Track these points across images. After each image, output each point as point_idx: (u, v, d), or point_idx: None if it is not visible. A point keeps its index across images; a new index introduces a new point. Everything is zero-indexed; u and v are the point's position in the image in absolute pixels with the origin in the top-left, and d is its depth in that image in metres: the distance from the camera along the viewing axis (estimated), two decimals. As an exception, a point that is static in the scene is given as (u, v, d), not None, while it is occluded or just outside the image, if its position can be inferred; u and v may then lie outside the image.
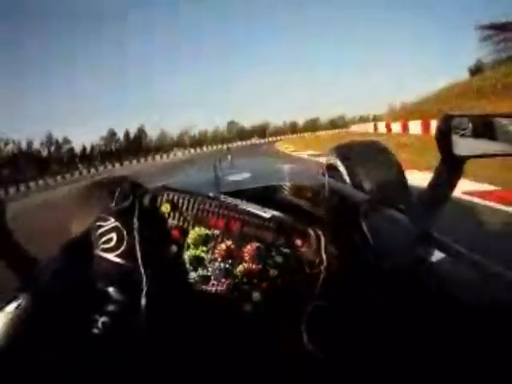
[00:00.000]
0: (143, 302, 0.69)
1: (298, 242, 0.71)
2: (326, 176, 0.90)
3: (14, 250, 0.69)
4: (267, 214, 0.73)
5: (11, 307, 0.59)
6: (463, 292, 0.50)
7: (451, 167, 0.63)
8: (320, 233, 0.71)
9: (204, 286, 0.71)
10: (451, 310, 0.48)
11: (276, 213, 0.74)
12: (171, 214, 0.73)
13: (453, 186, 0.63)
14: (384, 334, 0.58)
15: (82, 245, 0.72)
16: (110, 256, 0.70)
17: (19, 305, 0.59)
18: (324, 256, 0.70)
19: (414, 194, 0.72)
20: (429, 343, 0.49)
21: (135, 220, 0.70)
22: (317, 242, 0.71)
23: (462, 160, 0.62)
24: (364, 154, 1.24)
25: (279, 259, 0.71)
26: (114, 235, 0.70)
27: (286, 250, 0.71)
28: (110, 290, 0.69)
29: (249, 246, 0.71)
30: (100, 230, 0.70)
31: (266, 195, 0.90)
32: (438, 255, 0.56)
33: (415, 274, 0.57)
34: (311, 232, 0.71)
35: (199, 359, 0.68)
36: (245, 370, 0.67)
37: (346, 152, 1.32)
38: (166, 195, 0.74)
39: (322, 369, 0.65)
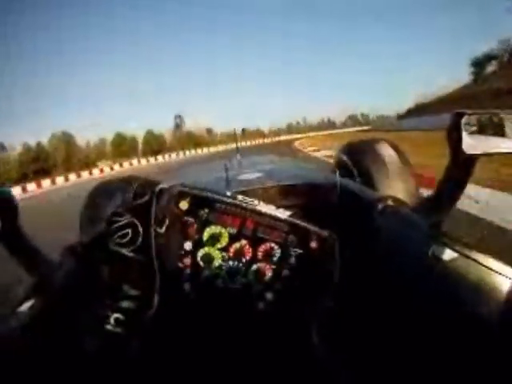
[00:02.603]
0: (156, 298, 0.70)
1: (313, 244, 0.71)
2: (338, 175, 0.90)
3: (25, 247, 0.70)
4: (283, 215, 0.72)
5: (25, 307, 0.59)
6: (472, 291, 0.49)
7: (461, 165, 0.62)
8: (335, 236, 0.70)
9: (217, 285, 0.72)
10: (461, 309, 0.48)
11: (291, 214, 0.74)
12: (188, 212, 0.73)
13: (464, 183, 0.63)
14: (394, 334, 0.58)
15: (95, 239, 0.72)
16: (124, 251, 0.70)
17: (32, 305, 0.59)
18: (338, 259, 0.69)
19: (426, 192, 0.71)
20: (438, 343, 0.48)
21: (152, 217, 0.71)
22: (331, 245, 0.70)
23: (473, 158, 0.62)
24: (374, 152, 1.24)
25: (293, 260, 0.71)
26: (129, 231, 0.70)
27: (300, 252, 0.71)
28: (123, 285, 0.69)
29: (263, 246, 0.71)
30: (115, 225, 0.70)
31: (277, 194, 0.90)
32: (449, 254, 0.55)
33: (427, 272, 0.56)
34: (326, 234, 0.71)
35: (210, 356, 0.69)
36: (254, 368, 0.68)
37: (356, 150, 1.32)
38: (184, 193, 0.74)
39: (329, 369, 0.65)
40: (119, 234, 0.70)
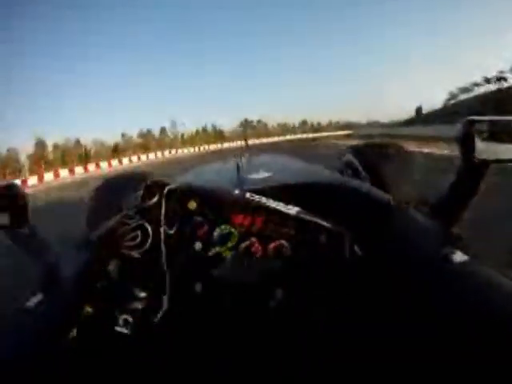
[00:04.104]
0: (165, 299, 0.70)
1: (323, 238, 0.71)
2: (346, 175, 0.89)
3: (33, 239, 0.67)
4: (292, 211, 0.72)
5: (32, 302, 0.59)
6: (481, 293, 0.50)
7: (473, 171, 0.63)
8: (344, 230, 0.71)
9: (228, 283, 0.71)
10: (470, 310, 0.48)
11: (300, 210, 0.74)
12: (197, 212, 0.73)
13: (475, 189, 0.63)
14: (403, 330, 0.58)
15: (105, 241, 0.72)
16: (135, 253, 0.70)
17: (40, 301, 0.59)
18: (348, 253, 0.69)
19: (437, 197, 0.71)
20: (447, 342, 0.48)
21: (162, 218, 0.71)
22: (341, 239, 0.71)
23: (485, 163, 0.62)
24: (382, 154, 1.24)
25: (303, 256, 0.71)
26: (139, 233, 0.71)
27: (309, 247, 0.71)
28: (132, 287, 0.70)
29: (273, 244, 0.71)
30: (125, 228, 0.70)
31: (288, 193, 0.90)
32: (460, 256, 0.56)
33: (437, 274, 0.57)
34: (336, 229, 0.71)
35: (223, 354, 0.68)
36: (265, 364, 0.67)
37: (363, 151, 1.32)
38: (192, 193, 0.74)
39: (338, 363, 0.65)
40: (129, 236, 0.71)
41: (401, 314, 0.59)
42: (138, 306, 0.68)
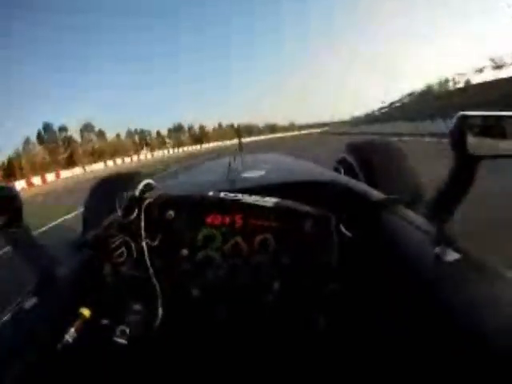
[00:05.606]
0: (160, 310, 0.72)
1: (307, 224, 0.71)
2: (342, 173, 0.89)
3: (28, 242, 0.69)
4: (269, 202, 0.73)
5: (28, 304, 0.60)
6: (473, 292, 0.49)
7: (466, 167, 0.63)
8: (330, 214, 0.70)
9: (220, 284, 0.71)
10: (463, 309, 0.47)
11: (278, 200, 0.74)
12: (176, 220, 0.75)
13: (467, 186, 0.63)
14: (395, 328, 0.58)
15: (96, 246, 0.74)
16: (124, 268, 0.72)
17: (36, 304, 0.60)
18: (335, 236, 0.70)
19: (429, 194, 0.71)
20: (435, 340, 0.48)
21: (142, 232, 0.73)
22: (327, 223, 0.70)
23: (477, 158, 0.62)
24: (378, 152, 1.24)
25: (290, 245, 0.71)
26: (124, 249, 0.73)
27: (295, 235, 0.71)
28: (127, 299, 0.71)
29: (258, 238, 0.71)
30: (111, 246, 0.73)
31: (280, 192, 0.91)
32: (453, 255, 0.56)
33: (430, 272, 0.57)
34: (319, 213, 0.71)
35: (222, 357, 0.68)
36: (266, 360, 0.67)
37: (359, 149, 1.32)
38: (169, 202, 0.76)
39: (335, 352, 0.65)
40: (116, 253, 0.72)
41: (393, 312, 0.59)
42: (134, 318, 0.70)
